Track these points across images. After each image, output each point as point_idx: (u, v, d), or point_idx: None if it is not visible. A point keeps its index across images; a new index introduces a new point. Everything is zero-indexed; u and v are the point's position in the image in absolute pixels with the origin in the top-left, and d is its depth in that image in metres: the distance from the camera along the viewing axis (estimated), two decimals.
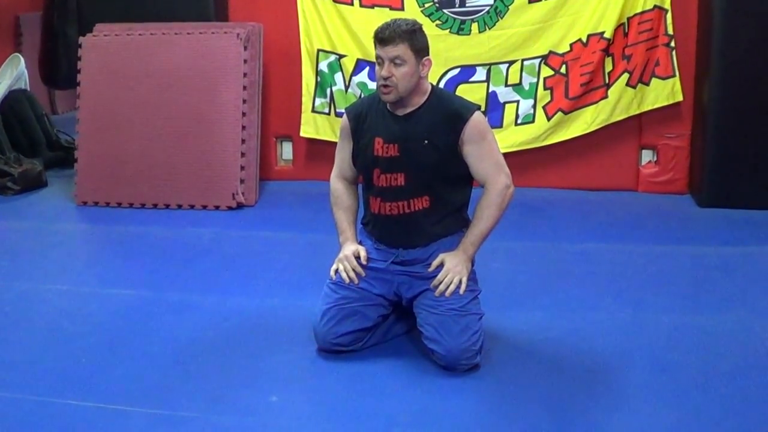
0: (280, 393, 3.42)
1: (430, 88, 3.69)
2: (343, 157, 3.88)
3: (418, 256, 3.68)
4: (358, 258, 3.72)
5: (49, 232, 5.89)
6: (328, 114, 6.71)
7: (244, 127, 6.31)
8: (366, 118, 3.73)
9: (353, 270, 3.70)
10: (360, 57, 6.48)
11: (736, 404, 3.27)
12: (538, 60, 6.35)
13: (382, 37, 3.55)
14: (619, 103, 6.31)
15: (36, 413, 3.27)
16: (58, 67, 9.53)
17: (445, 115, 3.61)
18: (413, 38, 3.54)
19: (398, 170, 3.62)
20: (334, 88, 6.66)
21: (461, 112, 3.61)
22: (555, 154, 6.52)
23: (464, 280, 3.59)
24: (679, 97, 6.26)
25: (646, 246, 5.25)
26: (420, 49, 3.56)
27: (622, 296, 4.43)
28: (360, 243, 3.81)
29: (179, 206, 6.31)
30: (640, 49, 6.22)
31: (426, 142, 3.59)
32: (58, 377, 3.57)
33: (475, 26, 6.37)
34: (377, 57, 3.59)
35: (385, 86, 3.57)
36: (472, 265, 3.70)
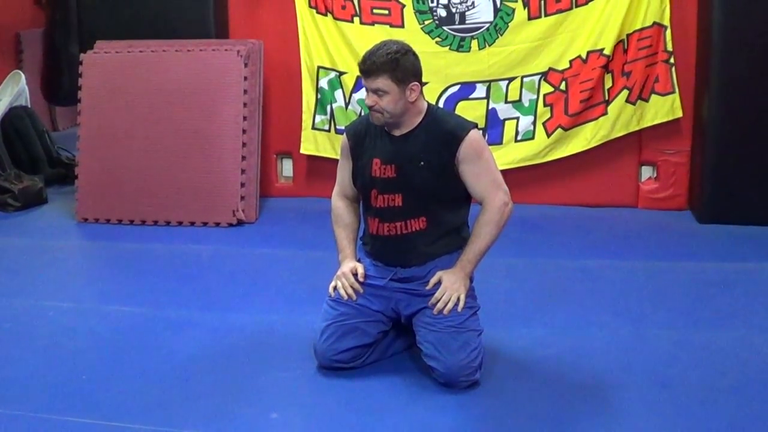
0: (281, 410, 3.42)
1: (426, 107, 3.69)
2: (343, 176, 3.88)
3: (416, 274, 3.68)
4: (356, 275, 3.73)
5: (50, 248, 5.89)
6: (329, 131, 6.72)
7: (244, 144, 6.32)
8: (365, 138, 3.74)
9: (351, 287, 3.70)
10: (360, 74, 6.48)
11: (738, 420, 3.27)
12: (538, 77, 6.36)
13: (362, 69, 3.56)
14: (618, 119, 6.32)
15: (35, 430, 3.27)
16: (59, 84, 9.59)
17: (441, 136, 3.61)
18: (395, 67, 3.51)
19: (395, 191, 3.62)
20: (334, 105, 6.67)
21: (456, 131, 3.61)
22: (555, 171, 6.52)
23: (462, 297, 3.59)
24: (679, 114, 6.27)
25: (646, 262, 5.25)
26: (403, 77, 3.53)
27: (622, 312, 4.43)
28: (359, 260, 3.82)
29: (179, 223, 6.31)
30: (639, 65, 6.23)
31: (422, 163, 3.59)
32: (57, 394, 3.57)
33: (474, 43, 6.38)
34: (363, 84, 3.61)
35: (374, 112, 3.60)
36: (471, 282, 3.69)
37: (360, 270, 3.73)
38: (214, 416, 3.36)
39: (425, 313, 3.61)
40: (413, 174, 3.60)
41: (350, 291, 3.70)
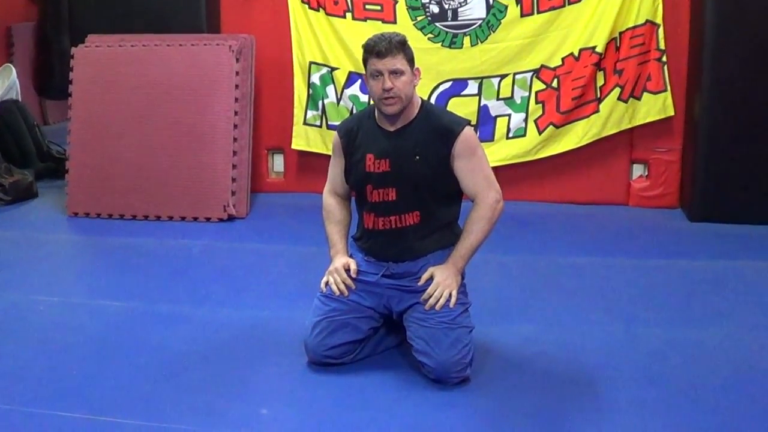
0: (271, 406, 3.42)
1: (420, 102, 3.70)
2: (335, 173, 3.88)
3: (408, 269, 3.68)
4: (348, 271, 3.72)
5: (40, 242, 5.87)
6: (320, 126, 6.71)
7: (235, 139, 6.31)
8: (357, 135, 3.74)
9: (343, 282, 3.70)
10: (352, 70, 6.49)
11: (727, 418, 3.28)
12: (530, 74, 6.37)
13: (378, 50, 3.54)
14: (610, 117, 6.33)
15: (26, 425, 3.26)
16: (51, 78, 9.58)
17: (436, 131, 3.62)
18: (406, 49, 3.58)
19: (390, 185, 3.63)
20: (325, 101, 6.67)
21: (452, 127, 3.62)
22: (546, 168, 6.53)
23: (454, 293, 3.59)
24: (671, 112, 6.28)
25: (637, 260, 5.25)
26: (412, 58, 3.61)
27: (612, 310, 4.43)
28: (351, 256, 3.82)
29: (170, 218, 6.30)
30: (631, 63, 6.24)
31: (417, 157, 3.60)
32: (48, 388, 3.56)
33: (467, 40, 6.38)
34: (374, 71, 3.58)
35: (390, 98, 3.56)
36: (462, 278, 3.70)
37: (353, 266, 3.73)
38: (204, 412, 3.35)
39: (417, 309, 3.61)
40: (408, 168, 3.60)
41: (342, 287, 3.70)
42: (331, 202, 3.90)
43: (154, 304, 4.58)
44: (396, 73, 3.54)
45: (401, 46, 3.56)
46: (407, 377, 3.61)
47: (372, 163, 3.65)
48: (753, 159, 5.92)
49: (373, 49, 3.56)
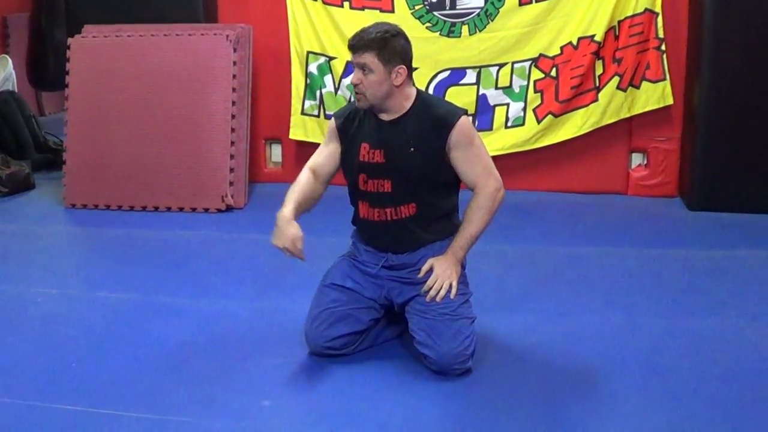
0: (272, 397, 3.41)
1: (415, 93, 3.65)
2: (323, 155, 3.83)
3: (407, 261, 3.66)
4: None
5: (37, 234, 5.86)
6: (318, 116, 6.70)
7: (233, 130, 6.29)
8: (353, 122, 3.70)
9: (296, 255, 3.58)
10: (350, 59, 6.44)
11: (728, 408, 3.27)
12: (529, 63, 6.35)
13: (350, 44, 3.56)
14: (609, 106, 6.32)
15: (26, 417, 3.25)
16: (45, 69, 9.52)
17: (431, 122, 3.57)
18: (383, 46, 3.49)
19: (384, 176, 3.59)
20: (323, 91, 6.65)
21: (447, 117, 3.57)
22: (545, 157, 6.52)
23: (454, 284, 3.57)
24: (670, 101, 6.27)
25: (637, 249, 5.25)
26: (390, 57, 3.51)
27: (612, 299, 4.43)
28: (352, 245, 3.81)
29: (168, 209, 6.29)
30: (630, 52, 6.22)
31: (412, 149, 3.56)
32: (47, 381, 3.55)
33: (465, 29, 6.36)
34: (352, 62, 3.59)
35: (356, 93, 3.58)
36: (463, 269, 3.68)
37: (299, 243, 3.59)
38: (205, 403, 3.34)
39: (418, 301, 3.59)
40: (403, 160, 3.57)
41: (298, 254, 3.58)
42: (305, 173, 3.82)
43: (153, 295, 4.57)
44: (364, 69, 3.52)
45: (375, 43, 3.49)
46: (408, 368, 3.61)
47: (367, 153, 3.61)
48: (752, 148, 5.91)
49: (348, 42, 3.59)
